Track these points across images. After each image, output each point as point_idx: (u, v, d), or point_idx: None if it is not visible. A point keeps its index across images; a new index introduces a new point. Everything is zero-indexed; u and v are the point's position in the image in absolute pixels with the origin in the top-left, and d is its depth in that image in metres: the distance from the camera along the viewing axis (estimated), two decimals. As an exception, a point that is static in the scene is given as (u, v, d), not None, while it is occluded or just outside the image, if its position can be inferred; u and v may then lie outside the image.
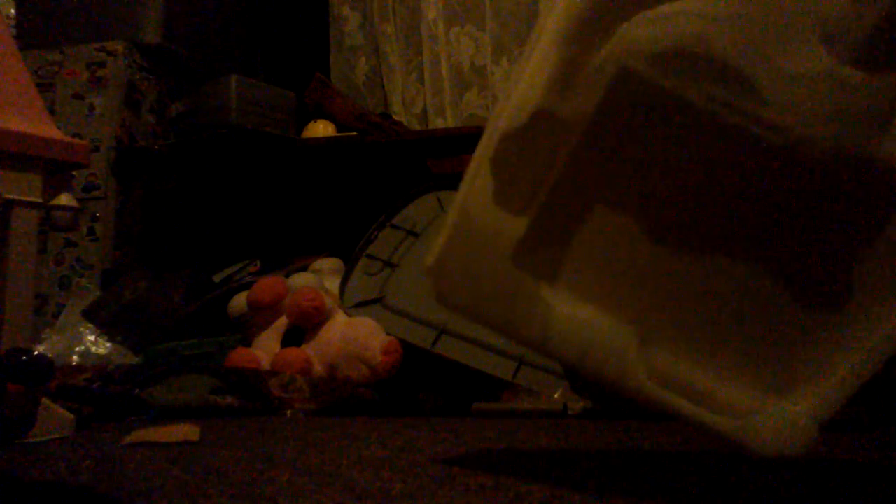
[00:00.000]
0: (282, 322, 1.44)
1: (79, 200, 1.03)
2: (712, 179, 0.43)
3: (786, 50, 0.42)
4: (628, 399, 0.42)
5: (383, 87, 2.36)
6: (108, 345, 1.48)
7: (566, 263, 0.43)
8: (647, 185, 0.43)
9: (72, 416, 0.93)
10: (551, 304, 0.42)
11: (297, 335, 1.42)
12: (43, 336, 1.51)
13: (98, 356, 1.46)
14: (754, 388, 0.40)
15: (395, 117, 2.24)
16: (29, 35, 2.03)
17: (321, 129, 2.05)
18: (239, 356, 1.35)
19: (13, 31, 2.03)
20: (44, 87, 1.93)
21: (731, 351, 0.41)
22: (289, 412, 1.21)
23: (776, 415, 0.39)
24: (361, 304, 1.46)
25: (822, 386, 0.39)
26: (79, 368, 1.31)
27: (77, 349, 1.46)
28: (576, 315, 0.42)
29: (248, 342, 1.45)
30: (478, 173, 0.45)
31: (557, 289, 0.43)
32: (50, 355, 0.96)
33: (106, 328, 1.52)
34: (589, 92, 0.42)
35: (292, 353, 1.36)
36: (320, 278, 1.61)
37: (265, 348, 1.40)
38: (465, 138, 1.87)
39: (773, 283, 0.41)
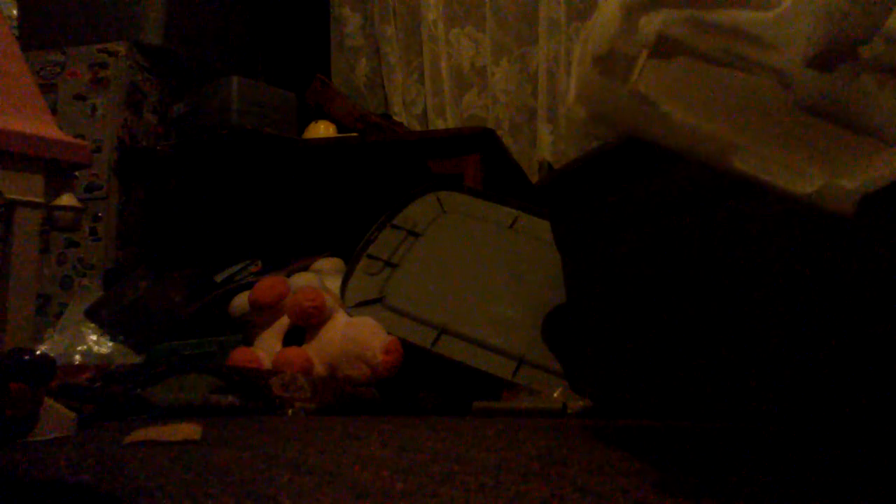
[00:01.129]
0: (283, 322, 1.44)
1: (81, 201, 1.03)
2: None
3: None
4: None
5: (384, 87, 2.36)
6: (110, 344, 1.48)
7: (672, 97, 0.59)
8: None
9: (73, 416, 0.94)
10: (669, 114, 0.58)
11: (297, 335, 1.42)
12: (45, 336, 1.51)
13: (100, 356, 1.46)
14: (822, 169, 0.55)
15: (396, 118, 2.25)
16: (31, 36, 2.04)
17: (322, 129, 2.05)
18: (240, 356, 1.35)
19: (15, 31, 2.03)
20: (46, 87, 1.93)
21: (804, 146, 0.56)
22: (290, 411, 1.22)
23: (836, 185, 0.54)
24: (362, 304, 1.46)
25: (867, 170, 0.54)
26: (81, 368, 1.32)
27: (79, 349, 1.46)
28: (687, 121, 0.58)
29: (249, 342, 1.45)
30: (584, 62, 0.62)
31: (671, 106, 0.59)
32: (52, 355, 0.96)
33: (108, 328, 1.52)
34: (643, 41, 0.59)
35: (293, 352, 1.36)
36: (321, 278, 1.61)
37: (266, 348, 1.41)
38: (466, 139, 1.88)
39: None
